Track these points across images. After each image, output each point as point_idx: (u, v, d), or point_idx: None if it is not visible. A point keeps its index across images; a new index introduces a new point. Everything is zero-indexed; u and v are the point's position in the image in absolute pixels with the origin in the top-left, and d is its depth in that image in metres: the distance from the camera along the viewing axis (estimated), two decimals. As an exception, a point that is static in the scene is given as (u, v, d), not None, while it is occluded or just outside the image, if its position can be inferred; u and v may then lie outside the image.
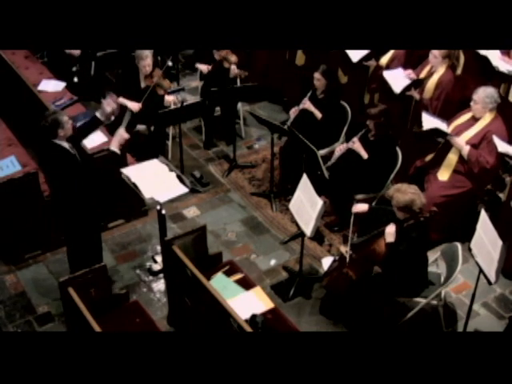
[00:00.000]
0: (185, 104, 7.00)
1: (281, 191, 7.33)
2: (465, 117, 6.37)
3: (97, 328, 4.55)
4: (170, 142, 7.87)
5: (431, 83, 6.70)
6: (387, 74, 6.88)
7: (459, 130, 6.29)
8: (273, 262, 6.49)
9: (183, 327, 5.61)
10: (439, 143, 6.50)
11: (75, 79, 8.49)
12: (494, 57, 6.60)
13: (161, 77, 7.41)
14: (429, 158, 6.70)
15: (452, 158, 6.33)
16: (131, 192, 5.53)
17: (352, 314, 5.77)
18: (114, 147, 5.66)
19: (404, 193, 5.18)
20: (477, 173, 6.18)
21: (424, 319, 5.67)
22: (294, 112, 7.25)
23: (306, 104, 7.17)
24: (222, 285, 5.21)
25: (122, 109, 6.95)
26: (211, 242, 5.98)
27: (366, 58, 7.17)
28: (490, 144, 6.09)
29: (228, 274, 5.41)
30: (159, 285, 6.24)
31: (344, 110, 7.24)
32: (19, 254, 6.40)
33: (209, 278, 5.21)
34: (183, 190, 5.40)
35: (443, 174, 6.39)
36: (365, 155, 6.46)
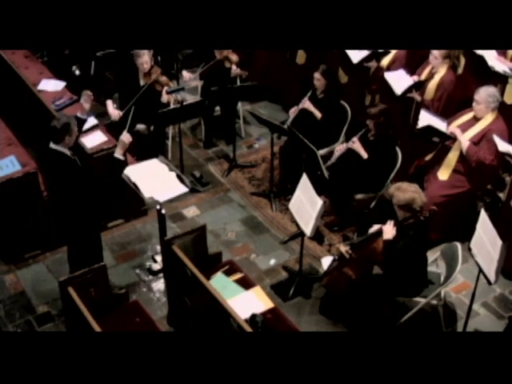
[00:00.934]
0: (184, 103, 6.99)
1: (281, 191, 7.33)
2: (466, 117, 6.36)
3: (96, 328, 4.55)
4: (169, 142, 7.87)
5: (432, 84, 6.69)
6: (388, 76, 6.87)
7: (461, 130, 6.28)
8: (272, 262, 6.49)
9: (183, 327, 5.61)
10: (437, 142, 6.49)
11: (77, 72, 8.51)
12: (490, 57, 6.59)
13: (159, 74, 7.41)
14: (429, 157, 6.70)
15: (452, 157, 6.33)
16: (131, 192, 5.53)
17: (352, 314, 5.77)
18: (118, 154, 5.59)
19: (404, 191, 5.19)
20: (474, 167, 6.17)
21: (424, 319, 5.66)
22: (293, 112, 7.25)
23: (306, 104, 7.17)
24: (221, 284, 5.21)
25: (125, 113, 6.97)
26: (211, 242, 5.98)
27: (366, 59, 7.16)
28: (489, 142, 6.09)
29: (228, 273, 5.41)
30: (159, 284, 6.24)
31: (344, 110, 7.24)
32: (19, 253, 6.40)
33: (208, 278, 5.20)
34: (183, 189, 5.40)
35: (443, 174, 6.39)
36: (364, 155, 6.46)
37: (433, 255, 5.81)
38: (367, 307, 5.62)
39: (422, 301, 5.47)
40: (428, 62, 6.82)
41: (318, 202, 5.44)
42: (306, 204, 5.58)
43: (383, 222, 5.40)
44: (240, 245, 6.70)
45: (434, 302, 5.57)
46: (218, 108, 8.13)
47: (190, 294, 5.22)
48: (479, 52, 6.64)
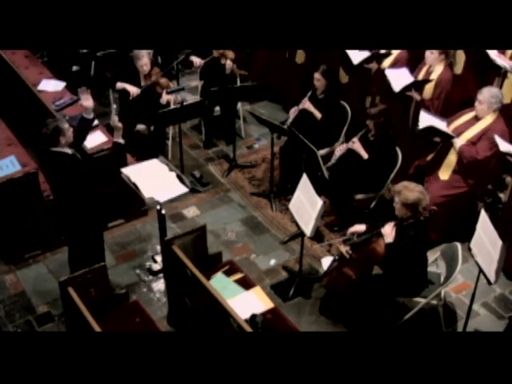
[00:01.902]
0: (185, 104, 6.99)
1: (281, 191, 7.33)
2: (466, 117, 6.36)
3: (97, 328, 4.55)
4: (169, 142, 7.88)
5: (430, 83, 6.69)
6: (389, 72, 6.86)
7: (460, 130, 6.29)
8: (273, 262, 6.49)
9: (183, 327, 5.61)
10: (437, 143, 6.49)
11: (74, 68, 8.53)
12: (492, 53, 6.61)
13: (159, 75, 7.42)
14: (429, 157, 6.70)
15: (452, 158, 6.33)
16: (131, 192, 5.53)
17: (352, 314, 5.77)
18: (118, 138, 5.73)
19: (412, 191, 5.20)
20: (466, 164, 6.18)
21: (424, 319, 5.66)
22: (293, 112, 7.25)
23: (306, 104, 7.17)
24: (221, 285, 5.21)
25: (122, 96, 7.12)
26: (211, 242, 5.98)
27: (367, 61, 7.16)
28: (487, 140, 6.09)
29: (228, 273, 5.41)
30: (159, 285, 6.24)
31: (344, 110, 7.23)
32: (19, 253, 6.40)
33: (209, 278, 5.20)
34: (183, 189, 5.39)
35: (443, 174, 6.39)
36: (365, 155, 6.46)
37: (433, 255, 5.81)
38: (367, 307, 5.62)
39: (422, 301, 5.47)
40: (424, 63, 6.83)
41: (318, 202, 5.44)
42: (306, 204, 5.58)
43: (383, 223, 5.40)
44: (240, 245, 6.70)
45: (434, 302, 5.56)
46: (217, 108, 8.12)
47: (190, 294, 5.22)
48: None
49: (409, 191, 5.20)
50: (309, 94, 7.26)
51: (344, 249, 5.51)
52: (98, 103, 8.17)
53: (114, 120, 5.72)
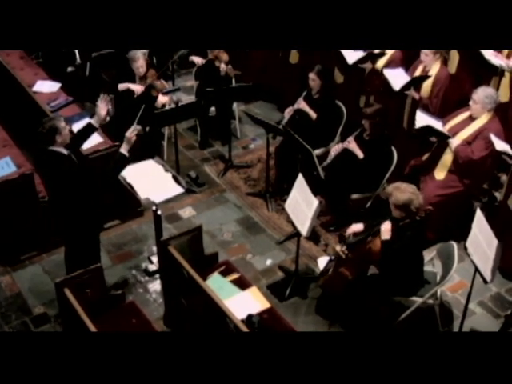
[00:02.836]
0: (180, 104, 6.99)
1: (276, 191, 7.32)
2: (461, 116, 6.37)
3: (93, 329, 4.55)
4: (165, 143, 7.87)
5: (428, 81, 6.70)
6: (387, 72, 6.87)
7: (456, 130, 6.30)
8: (269, 262, 6.49)
9: (179, 328, 5.60)
10: (432, 142, 6.50)
11: (69, 69, 8.52)
12: (487, 52, 6.63)
13: (155, 78, 7.41)
14: (425, 157, 6.71)
15: (447, 157, 6.33)
16: (127, 192, 5.53)
17: (348, 314, 5.77)
18: (124, 150, 5.43)
19: (403, 191, 5.19)
20: (462, 164, 6.18)
21: (420, 318, 5.66)
22: (288, 112, 7.25)
23: (301, 104, 7.17)
24: (218, 285, 5.21)
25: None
26: (207, 243, 5.98)
27: (361, 61, 7.16)
28: (482, 140, 6.10)
29: (224, 274, 5.41)
30: (155, 285, 6.24)
31: (339, 110, 7.24)
32: (15, 255, 6.39)
33: (205, 279, 5.20)
34: (179, 190, 5.40)
35: (439, 174, 6.39)
36: (360, 155, 6.46)
37: (429, 255, 5.82)
38: (363, 307, 5.62)
39: (418, 300, 5.48)
40: (420, 61, 6.84)
41: (314, 202, 5.44)
42: (302, 204, 5.58)
43: (379, 222, 5.41)
44: (236, 245, 6.70)
45: (431, 301, 5.57)
46: (213, 108, 8.12)
47: (187, 294, 5.22)
48: (475, 46, 6.67)
49: (400, 192, 5.20)
50: (304, 93, 7.26)
51: (340, 248, 5.52)
52: (93, 104, 8.18)
53: (130, 131, 5.46)
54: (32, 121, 6.82)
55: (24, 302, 6.03)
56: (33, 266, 6.39)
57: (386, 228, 5.32)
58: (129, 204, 6.78)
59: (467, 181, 6.30)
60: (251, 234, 6.83)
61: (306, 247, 6.58)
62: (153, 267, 6.34)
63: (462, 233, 5.50)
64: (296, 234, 5.94)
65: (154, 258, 6.33)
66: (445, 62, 6.83)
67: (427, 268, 5.70)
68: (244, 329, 4.58)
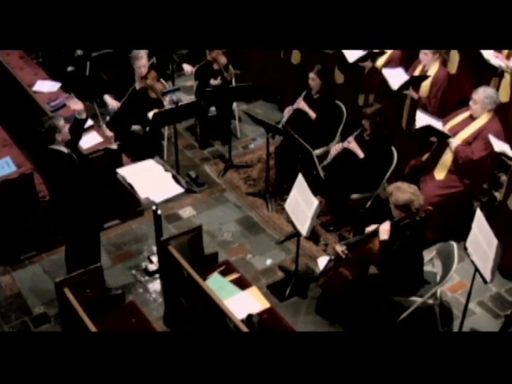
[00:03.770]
0: (180, 104, 6.99)
1: (276, 191, 7.32)
2: (461, 116, 6.37)
3: (93, 328, 4.55)
4: (165, 142, 7.86)
5: (426, 81, 6.69)
6: (386, 72, 6.87)
7: (456, 130, 6.30)
8: (269, 262, 6.49)
9: (179, 327, 5.60)
10: (432, 142, 6.50)
11: (69, 68, 8.52)
12: (487, 53, 6.62)
13: (155, 79, 7.40)
14: (425, 157, 6.70)
15: (447, 157, 6.33)
16: (127, 192, 5.53)
17: (348, 314, 5.77)
18: (110, 145, 5.69)
19: (404, 192, 5.19)
20: (462, 164, 6.18)
21: (420, 318, 5.66)
22: (288, 111, 7.25)
23: (301, 104, 7.17)
24: (217, 285, 5.21)
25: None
26: (207, 242, 5.98)
27: (362, 59, 7.16)
28: (482, 140, 6.10)
29: (224, 273, 5.41)
30: (155, 285, 6.24)
31: (339, 110, 7.23)
32: (15, 254, 6.39)
33: (205, 278, 5.20)
34: (179, 190, 5.40)
35: (439, 174, 6.39)
36: (360, 155, 6.46)
37: (429, 255, 5.82)
38: (363, 307, 5.62)
39: (418, 300, 5.48)
40: (419, 61, 6.84)
41: (314, 202, 5.44)
42: (302, 204, 5.58)
43: (379, 222, 5.41)
44: (236, 245, 6.70)
45: (431, 301, 5.57)
46: (213, 108, 8.12)
47: (187, 294, 5.22)
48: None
49: (400, 192, 5.20)
50: (303, 93, 7.26)
51: (340, 248, 5.52)
52: (94, 104, 8.19)
53: (104, 130, 5.69)
54: (32, 120, 6.83)
55: (24, 302, 6.03)
56: (33, 266, 6.39)
57: (384, 228, 5.32)
58: (129, 204, 6.78)
59: (467, 181, 6.30)
60: (251, 234, 6.83)
61: (305, 247, 6.58)
62: (153, 267, 6.34)
63: (461, 233, 5.50)
64: (296, 233, 5.94)
65: (154, 258, 6.33)
66: (444, 63, 6.82)
67: (427, 268, 5.70)
68: (244, 329, 4.58)
